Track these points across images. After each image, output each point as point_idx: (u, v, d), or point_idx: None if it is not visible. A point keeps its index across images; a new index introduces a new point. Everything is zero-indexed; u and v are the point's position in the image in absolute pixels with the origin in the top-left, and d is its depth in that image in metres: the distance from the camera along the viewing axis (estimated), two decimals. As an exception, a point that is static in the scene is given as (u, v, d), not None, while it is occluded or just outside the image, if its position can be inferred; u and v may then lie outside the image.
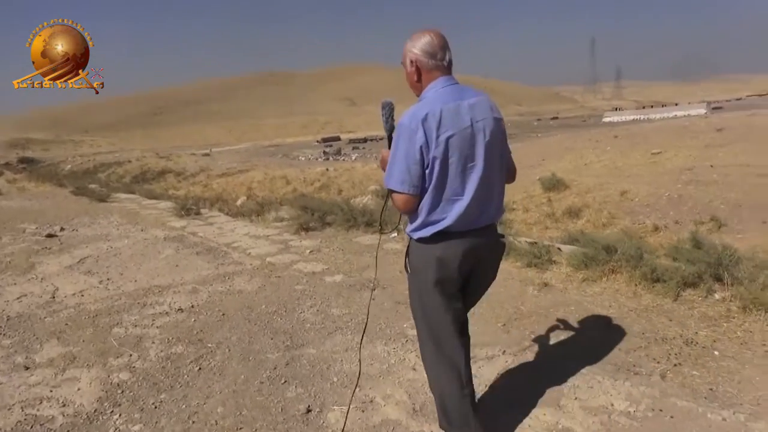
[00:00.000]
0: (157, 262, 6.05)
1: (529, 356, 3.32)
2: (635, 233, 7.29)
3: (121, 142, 76.61)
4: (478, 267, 2.27)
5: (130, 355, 3.61)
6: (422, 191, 2.08)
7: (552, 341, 3.52)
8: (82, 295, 4.95)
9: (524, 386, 2.94)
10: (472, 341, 2.46)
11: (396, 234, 6.66)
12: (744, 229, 6.85)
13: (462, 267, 2.18)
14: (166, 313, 4.42)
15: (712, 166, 9.51)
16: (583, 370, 3.05)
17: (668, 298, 3.96)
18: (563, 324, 3.72)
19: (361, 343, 3.17)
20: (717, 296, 3.90)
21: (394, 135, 2.11)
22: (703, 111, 57.18)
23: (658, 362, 3.12)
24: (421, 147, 2.01)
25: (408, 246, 2.28)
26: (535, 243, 5.43)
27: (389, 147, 2.16)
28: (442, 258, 2.15)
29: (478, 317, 3.84)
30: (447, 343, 2.28)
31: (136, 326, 4.13)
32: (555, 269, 4.86)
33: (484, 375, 3.08)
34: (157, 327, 4.10)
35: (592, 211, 8.74)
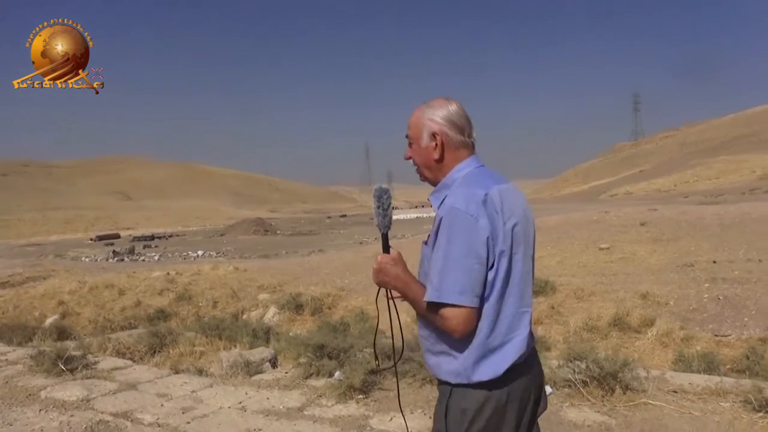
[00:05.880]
0: None
1: None
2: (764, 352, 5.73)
3: None
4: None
5: None
6: (481, 302, 1.44)
7: None
8: None
9: None
10: None
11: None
12: None
13: (534, 411, 1.55)
14: None
15: (714, 262, 8.72)
16: None
17: None
18: None
19: None
20: None
21: (442, 226, 1.45)
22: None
23: None
24: (487, 239, 1.41)
25: (448, 398, 1.49)
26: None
27: (385, 249, 1.59)
28: (513, 406, 1.44)
29: None
30: None
31: None
32: None
33: None
34: None
35: (637, 318, 7.07)
